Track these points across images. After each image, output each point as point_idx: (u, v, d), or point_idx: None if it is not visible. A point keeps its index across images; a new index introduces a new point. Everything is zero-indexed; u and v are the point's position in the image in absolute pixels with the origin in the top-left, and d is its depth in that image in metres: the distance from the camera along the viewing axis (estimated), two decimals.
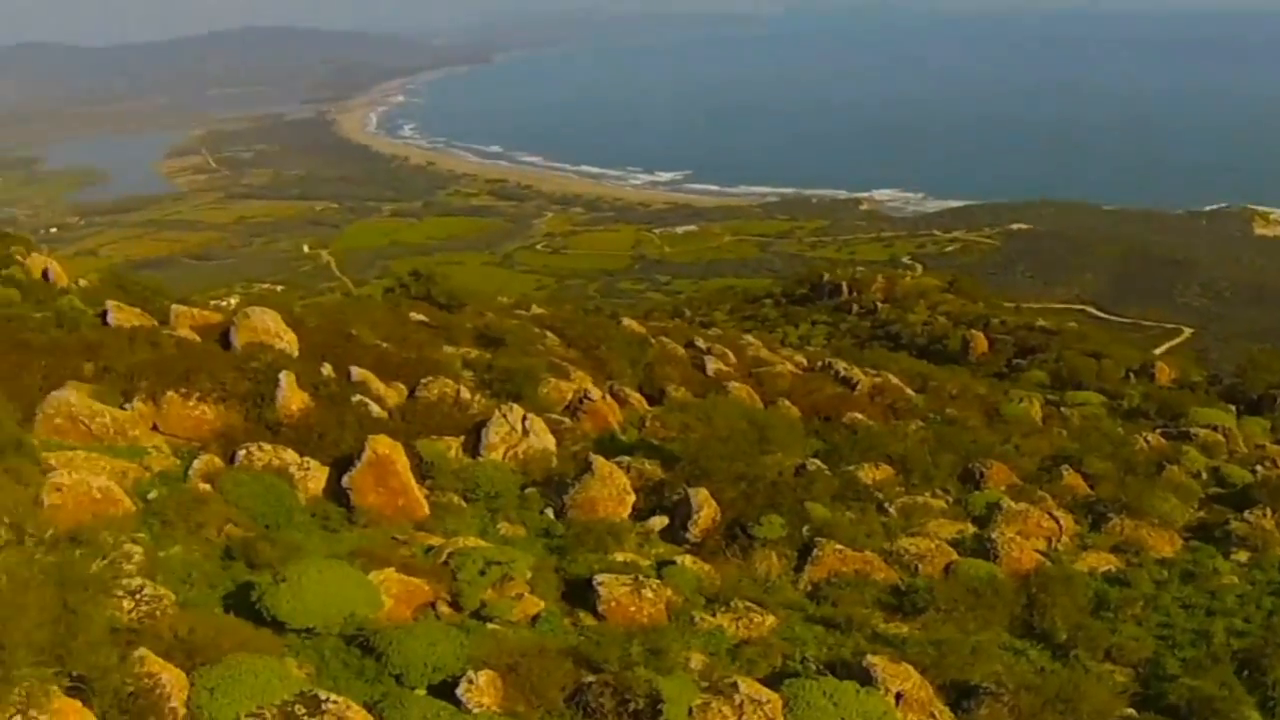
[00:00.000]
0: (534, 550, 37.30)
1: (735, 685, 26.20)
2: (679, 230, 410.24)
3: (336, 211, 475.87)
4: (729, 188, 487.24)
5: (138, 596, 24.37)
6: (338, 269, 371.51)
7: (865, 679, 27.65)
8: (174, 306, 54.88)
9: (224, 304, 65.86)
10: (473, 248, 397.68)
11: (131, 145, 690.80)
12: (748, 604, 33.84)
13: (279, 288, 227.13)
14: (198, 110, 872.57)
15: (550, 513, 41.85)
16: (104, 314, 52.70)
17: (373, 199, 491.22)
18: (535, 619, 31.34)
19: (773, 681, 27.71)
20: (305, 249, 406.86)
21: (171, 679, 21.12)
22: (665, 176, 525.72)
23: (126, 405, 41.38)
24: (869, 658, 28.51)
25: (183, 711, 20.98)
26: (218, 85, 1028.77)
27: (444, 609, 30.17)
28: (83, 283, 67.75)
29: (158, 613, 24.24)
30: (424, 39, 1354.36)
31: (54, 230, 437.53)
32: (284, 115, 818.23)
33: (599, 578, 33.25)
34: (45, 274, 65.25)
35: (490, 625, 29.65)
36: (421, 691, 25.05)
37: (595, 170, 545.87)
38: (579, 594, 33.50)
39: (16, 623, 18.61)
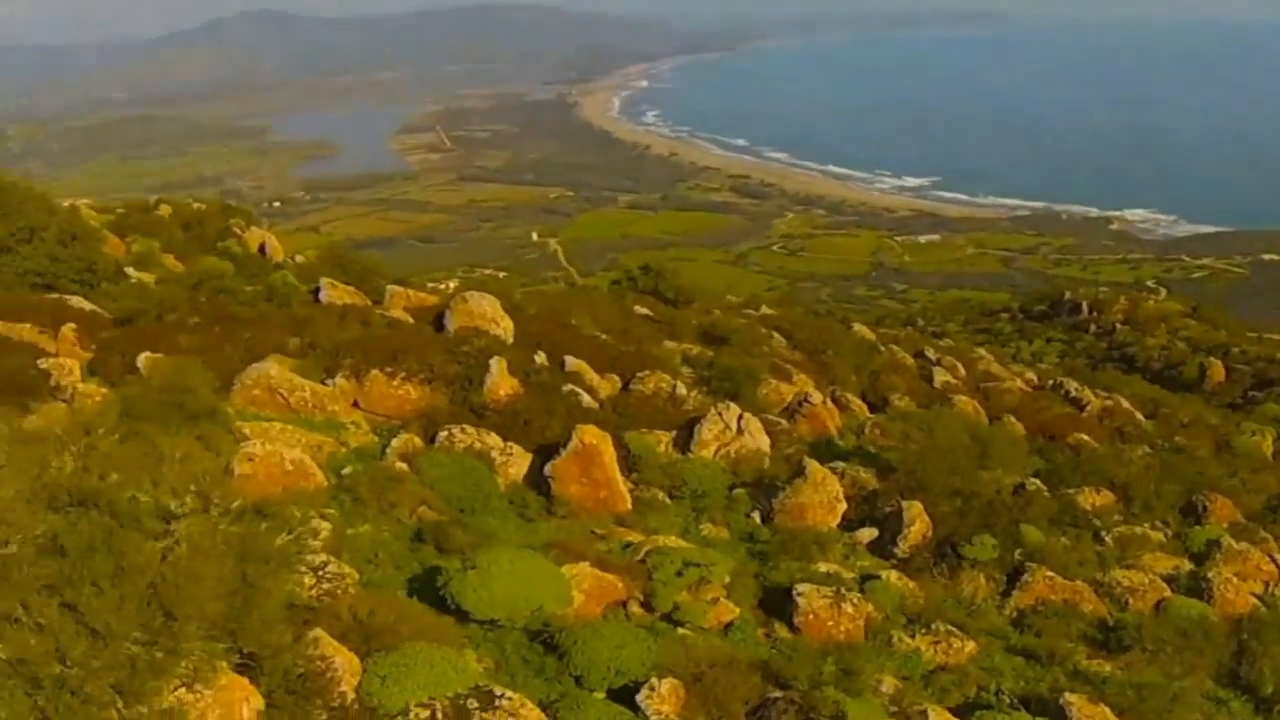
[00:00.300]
0: (736, 554, 36.98)
1: (925, 713, 25.87)
2: (921, 239, 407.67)
3: (571, 199, 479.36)
4: (976, 198, 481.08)
5: (320, 574, 24.62)
6: (565, 259, 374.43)
7: (1060, 717, 27.11)
8: (389, 287, 55.56)
9: (442, 287, 66.64)
10: (707, 244, 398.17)
11: (364, 119, 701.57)
12: (948, 627, 33.20)
13: (501, 274, 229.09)
14: (435, 86, 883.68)
15: (757, 516, 41.45)
16: (316, 291, 53.57)
17: (609, 188, 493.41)
18: (728, 627, 31.11)
19: (964, 712, 27.35)
20: (534, 236, 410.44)
21: (344, 662, 21.27)
22: (912, 182, 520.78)
23: (329, 381, 41.90)
24: (1066, 695, 27.82)
25: (351, 696, 21.10)
26: (458, 61, 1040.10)
27: (635, 609, 30.06)
28: (299, 259, 68.99)
29: (339, 592, 24.48)
30: (671, 22, 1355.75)
31: (277, 204, 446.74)
32: (524, 95, 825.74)
33: (799, 588, 32.86)
34: (262, 248, 66.63)
35: (681, 630, 29.47)
36: (601, 695, 24.99)
37: (841, 171, 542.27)
38: (776, 603, 33.12)
39: (191, 593, 18.84)
